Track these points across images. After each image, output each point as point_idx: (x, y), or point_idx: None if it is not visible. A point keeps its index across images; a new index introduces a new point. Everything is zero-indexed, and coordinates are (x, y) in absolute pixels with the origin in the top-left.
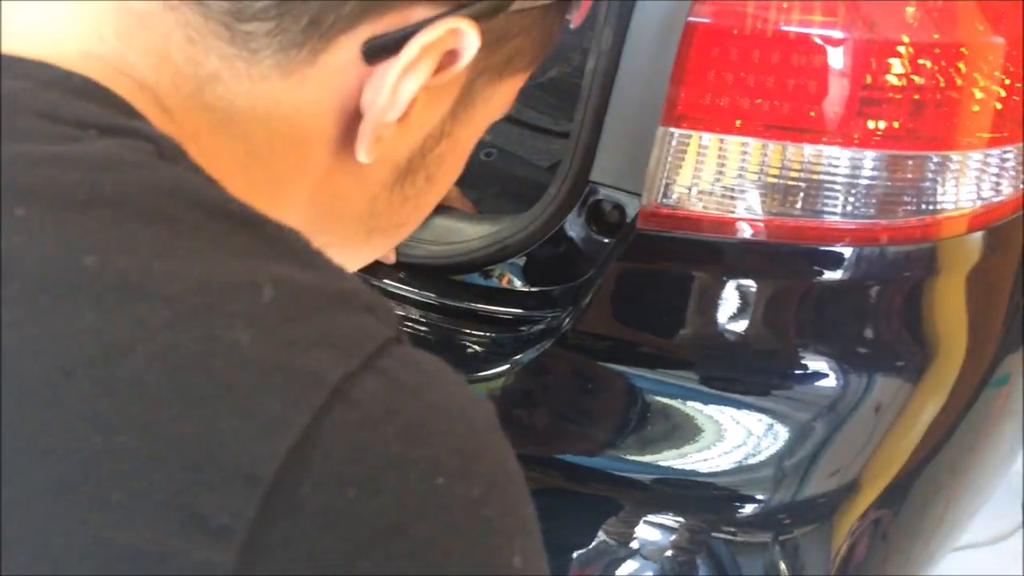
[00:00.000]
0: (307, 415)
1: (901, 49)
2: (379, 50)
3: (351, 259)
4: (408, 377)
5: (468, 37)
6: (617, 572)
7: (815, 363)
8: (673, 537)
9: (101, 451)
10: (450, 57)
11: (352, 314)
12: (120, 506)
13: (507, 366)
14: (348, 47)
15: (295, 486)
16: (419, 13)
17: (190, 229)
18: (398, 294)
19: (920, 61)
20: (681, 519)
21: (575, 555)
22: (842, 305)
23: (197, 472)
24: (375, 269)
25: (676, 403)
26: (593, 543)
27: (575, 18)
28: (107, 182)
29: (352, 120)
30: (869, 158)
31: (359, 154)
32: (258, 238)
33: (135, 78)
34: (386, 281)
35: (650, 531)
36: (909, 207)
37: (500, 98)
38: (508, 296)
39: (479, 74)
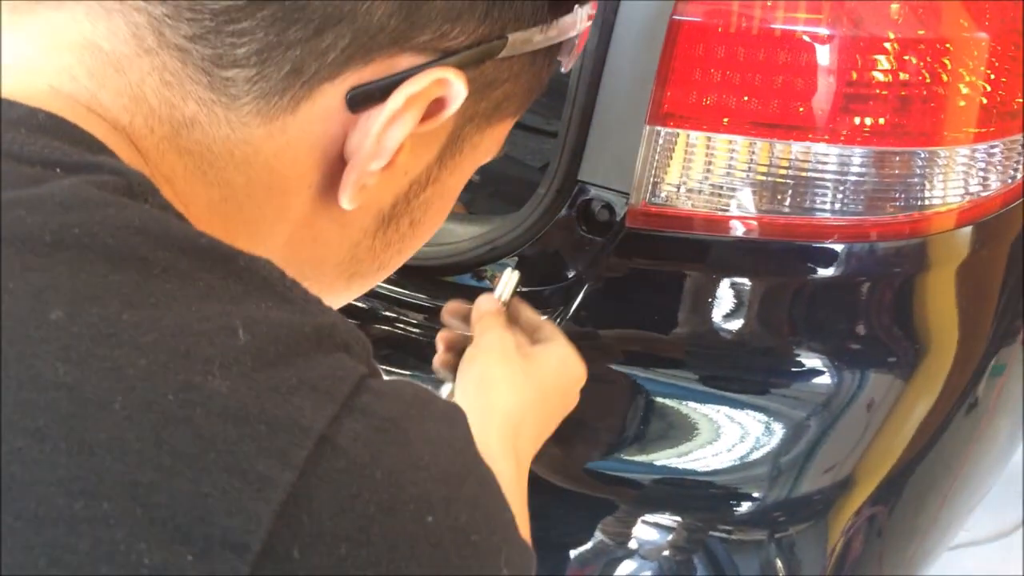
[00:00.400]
0: (293, 471)
1: (887, 45)
2: (364, 99)
3: (328, 301)
4: (386, 410)
5: (455, 86)
6: (615, 572)
7: (807, 360)
8: (670, 536)
9: (85, 518)
10: (437, 105)
11: (329, 353)
12: None
13: None
14: (332, 95)
15: (285, 551)
16: (405, 62)
17: (160, 271)
18: (389, 296)
19: (906, 57)
20: (678, 518)
21: (573, 555)
22: (833, 302)
23: (184, 543)
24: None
25: (669, 402)
26: (591, 543)
27: (566, 63)
28: (73, 223)
29: (335, 167)
30: (857, 155)
31: (343, 201)
32: (231, 274)
33: (107, 118)
34: (379, 283)
35: (648, 530)
36: (898, 203)
37: (488, 143)
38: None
39: (467, 121)
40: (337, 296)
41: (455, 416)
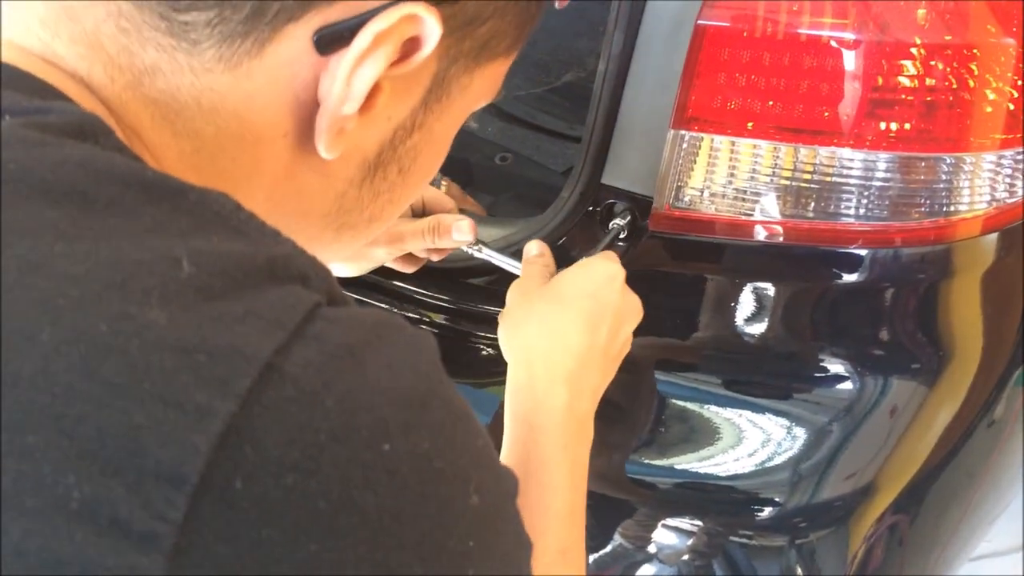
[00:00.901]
0: (234, 401)
1: (913, 51)
2: (331, 40)
3: (320, 255)
4: (342, 337)
5: (428, 23)
6: (634, 575)
7: (829, 366)
8: (690, 541)
9: (9, 452)
10: (412, 45)
11: (282, 284)
12: (36, 513)
13: None
14: (298, 37)
15: (226, 481)
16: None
17: (103, 206)
18: (412, 297)
19: (932, 62)
20: (699, 522)
21: (592, 558)
22: (856, 307)
23: (115, 475)
24: (392, 272)
25: (690, 406)
26: (610, 546)
27: None
28: (8, 159)
29: (310, 114)
30: (882, 160)
31: (321, 150)
32: (179, 208)
33: (63, 68)
34: (401, 284)
35: (667, 534)
36: (923, 209)
37: (480, 85)
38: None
39: (452, 62)
40: (327, 248)
41: (421, 342)
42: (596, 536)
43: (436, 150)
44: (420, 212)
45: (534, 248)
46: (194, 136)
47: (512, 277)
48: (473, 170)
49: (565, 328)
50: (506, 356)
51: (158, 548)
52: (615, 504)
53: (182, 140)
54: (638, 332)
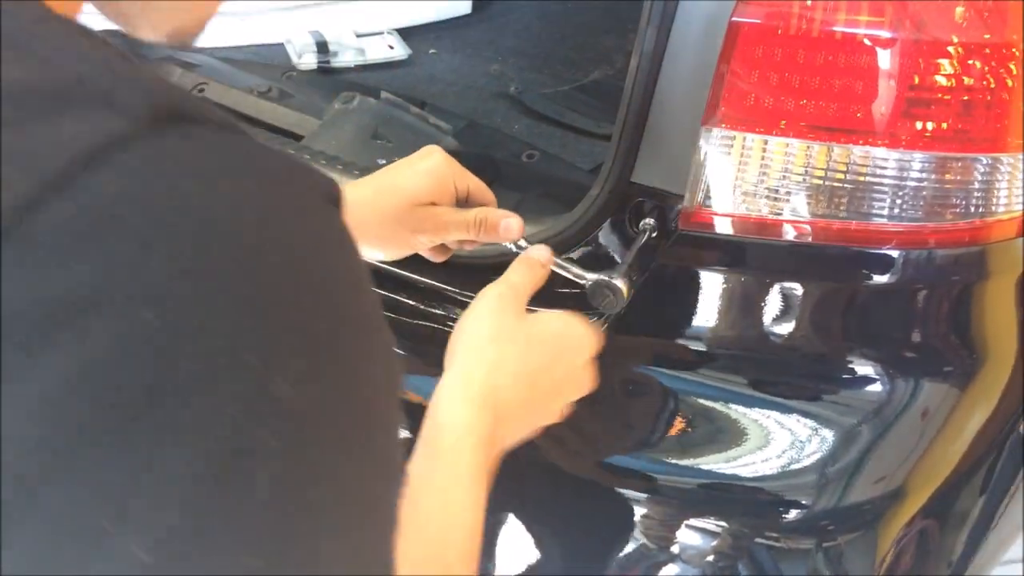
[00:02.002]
0: None
1: (950, 49)
2: None
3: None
4: (132, 186)
5: None
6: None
7: (861, 367)
8: (715, 542)
9: None
10: None
11: (76, 111)
12: None
13: None
14: None
15: None
16: None
17: None
18: (439, 293)
19: (970, 62)
20: (724, 523)
21: (615, 558)
22: (888, 309)
23: None
24: (420, 267)
25: (718, 406)
26: (634, 546)
27: None
28: None
29: None
30: (917, 160)
31: None
32: None
33: None
34: (428, 280)
35: (692, 535)
36: (957, 210)
37: None
38: (549, 297)
39: None
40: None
41: (273, 166)
42: (620, 536)
43: None
44: (464, 201)
45: (544, 255)
46: None
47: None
48: (499, 167)
49: (536, 384)
50: (451, 358)
51: None
52: (640, 504)
53: None
54: (666, 329)
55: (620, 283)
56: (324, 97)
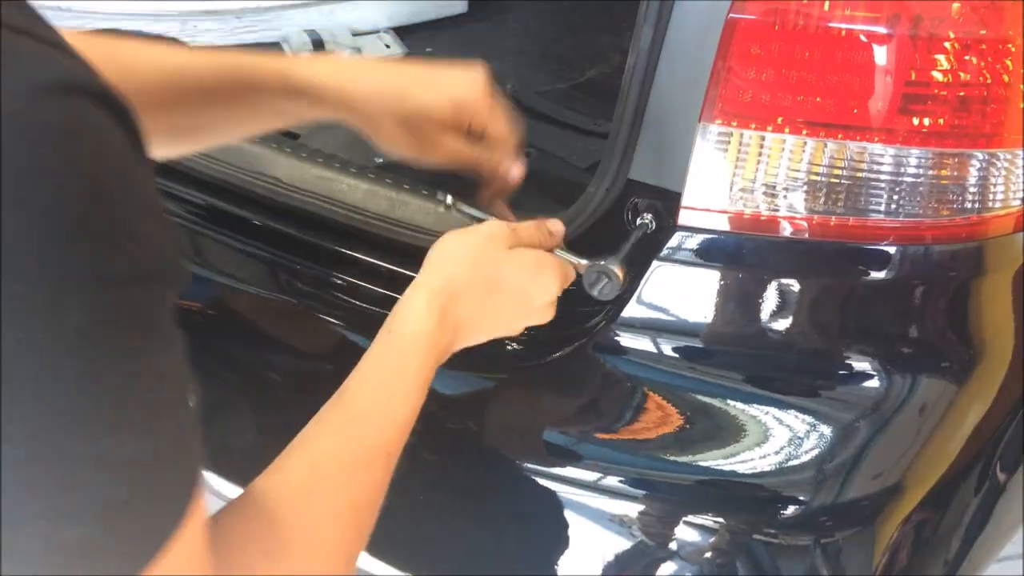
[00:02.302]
0: None
1: (947, 45)
2: None
3: None
4: None
5: None
6: (655, 574)
7: (859, 363)
8: (713, 539)
9: None
10: None
11: None
12: None
13: (544, 363)
14: None
15: None
16: None
17: None
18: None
19: (966, 57)
20: (721, 520)
21: (612, 555)
22: (886, 305)
23: None
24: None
25: (715, 402)
26: (631, 544)
27: None
28: None
29: None
30: (913, 155)
31: None
32: None
33: None
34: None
35: (689, 532)
36: (954, 206)
37: None
38: None
39: None
40: None
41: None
42: (617, 534)
43: None
44: (477, 137)
45: (558, 227)
46: None
47: None
48: None
49: (494, 311)
50: (427, 264)
51: None
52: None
53: None
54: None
55: (616, 268)
56: None
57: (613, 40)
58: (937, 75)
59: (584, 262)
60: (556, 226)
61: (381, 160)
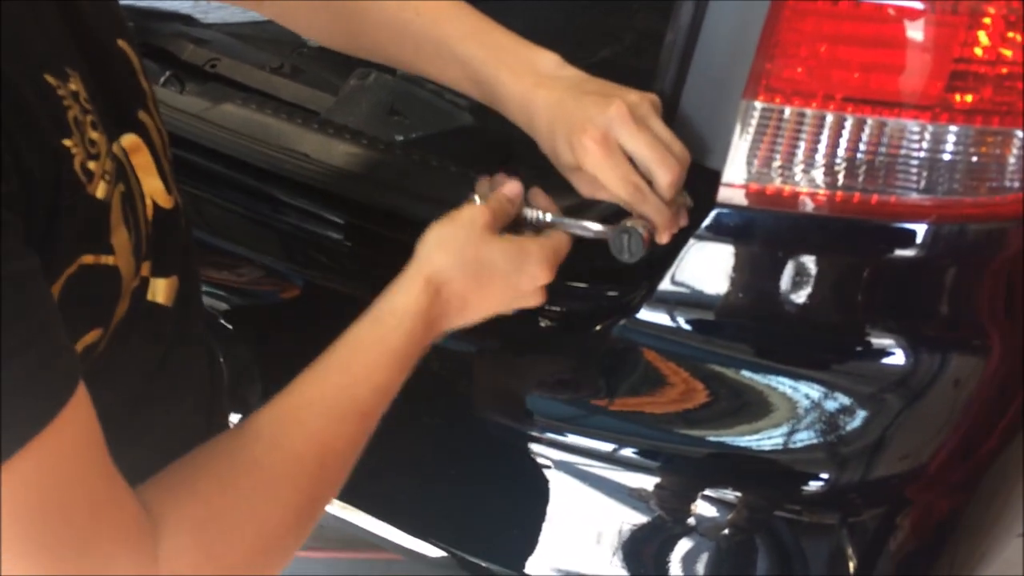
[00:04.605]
0: None
1: (989, 21)
2: None
3: None
4: None
5: None
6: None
7: (892, 341)
8: (731, 515)
9: None
10: None
11: None
12: None
13: (579, 340)
14: None
15: None
16: None
17: None
18: None
19: (1010, 34)
20: (740, 494)
21: (629, 531)
22: (923, 283)
23: None
24: None
25: (747, 379)
26: (647, 518)
27: None
28: None
29: None
30: (955, 133)
31: None
32: None
33: None
34: None
35: (707, 507)
36: (995, 183)
37: None
38: (583, 271)
39: None
40: None
41: None
42: (635, 508)
43: None
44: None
45: (514, 189)
46: None
47: None
48: (515, 145)
49: (480, 297)
50: (419, 248)
51: None
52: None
53: None
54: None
55: (636, 224)
56: (336, 73)
57: (624, 20)
58: (980, 52)
59: (598, 227)
60: (511, 189)
61: (402, 139)
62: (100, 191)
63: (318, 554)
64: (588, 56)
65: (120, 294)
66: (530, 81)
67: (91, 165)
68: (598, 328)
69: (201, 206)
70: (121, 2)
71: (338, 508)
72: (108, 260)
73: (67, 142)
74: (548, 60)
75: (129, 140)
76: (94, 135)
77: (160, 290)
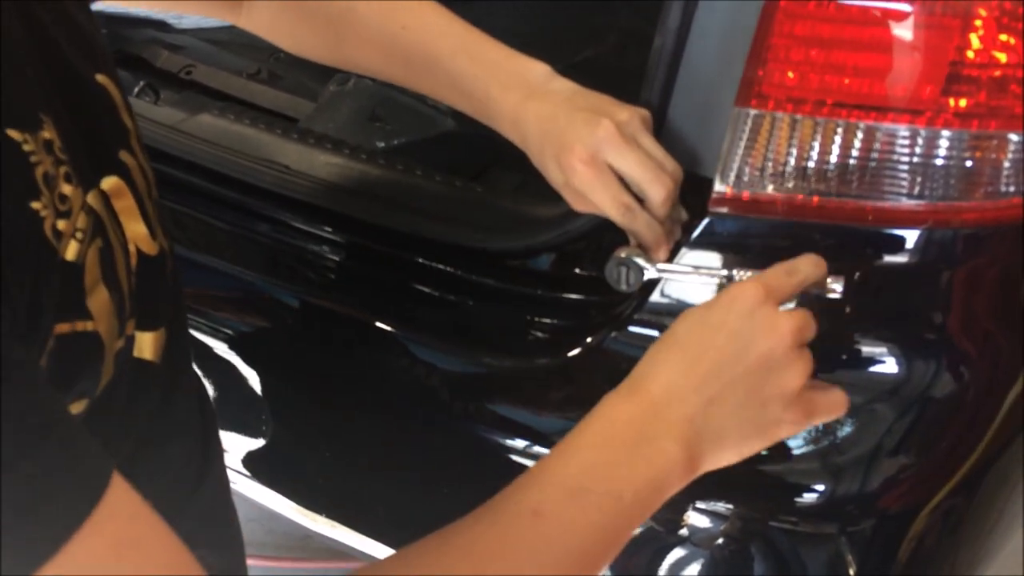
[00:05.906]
0: None
1: (981, 24)
2: None
3: None
4: None
5: None
6: (664, 561)
7: (886, 348)
8: (724, 525)
9: None
10: None
11: None
12: None
13: (570, 353)
14: None
15: None
16: None
17: None
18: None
19: (1002, 37)
20: (731, 506)
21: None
22: (918, 289)
23: None
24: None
25: None
26: (638, 528)
27: None
28: None
29: None
30: (949, 137)
31: None
32: None
33: None
34: (448, 268)
35: (701, 518)
36: (989, 188)
37: None
38: (573, 282)
39: None
40: None
41: None
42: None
43: None
44: None
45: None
46: None
47: None
48: (500, 149)
49: (708, 386)
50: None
51: None
52: None
53: None
54: None
55: (632, 255)
56: (314, 78)
57: (607, 19)
58: (973, 55)
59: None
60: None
61: (383, 146)
62: (71, 252)
63: (306, 564)
64: (571, 55)
65: (102, 360)
66: (521, 95)
67: (60, 225)
68: (589, 340)
69: (179, 220)
70: (92, 7)
71: (326, 526)
72: (87, 326)
73: (35, 204)
74: (538, 72)
75: (110, 183)
76: (67, 189)
77: (146, 345)
